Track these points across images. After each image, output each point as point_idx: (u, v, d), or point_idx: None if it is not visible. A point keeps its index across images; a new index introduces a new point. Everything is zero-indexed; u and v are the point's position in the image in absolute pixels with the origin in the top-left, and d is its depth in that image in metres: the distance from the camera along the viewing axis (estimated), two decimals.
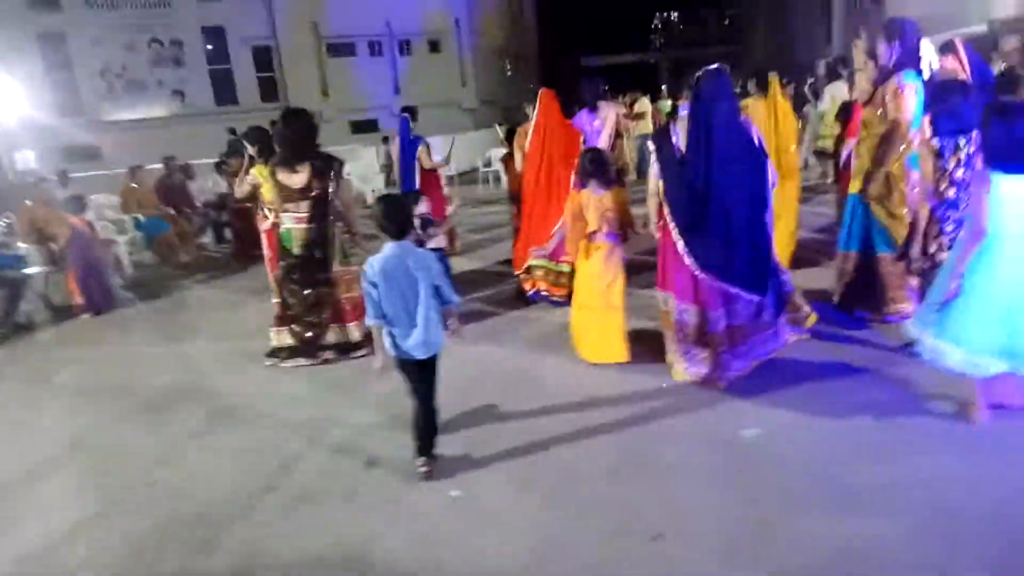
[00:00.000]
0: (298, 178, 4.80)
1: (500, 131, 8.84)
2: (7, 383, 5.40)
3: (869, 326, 4.48)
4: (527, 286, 5.81)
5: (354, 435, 3.83)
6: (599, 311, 4.31)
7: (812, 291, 4.79)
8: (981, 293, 3.05)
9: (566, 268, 5.43)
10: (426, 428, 3.28)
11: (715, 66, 3.76)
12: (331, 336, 4.97)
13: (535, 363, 4.56)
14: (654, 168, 3.97)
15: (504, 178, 9.37)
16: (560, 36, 40.23)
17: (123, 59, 22.11)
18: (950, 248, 3.58)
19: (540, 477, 3.21)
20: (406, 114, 7.48)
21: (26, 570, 2.92)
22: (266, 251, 5.50)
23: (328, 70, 24.67)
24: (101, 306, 7.00)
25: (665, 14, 47.70)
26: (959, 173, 3.66)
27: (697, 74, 3.74)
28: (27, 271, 7.03)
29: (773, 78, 5.58)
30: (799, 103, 9.73)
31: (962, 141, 3.63)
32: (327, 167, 4.87)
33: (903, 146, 4.12)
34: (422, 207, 4.83)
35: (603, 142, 6.13)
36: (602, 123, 6.23)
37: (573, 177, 5.04)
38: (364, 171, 13.86)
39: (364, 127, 23.50)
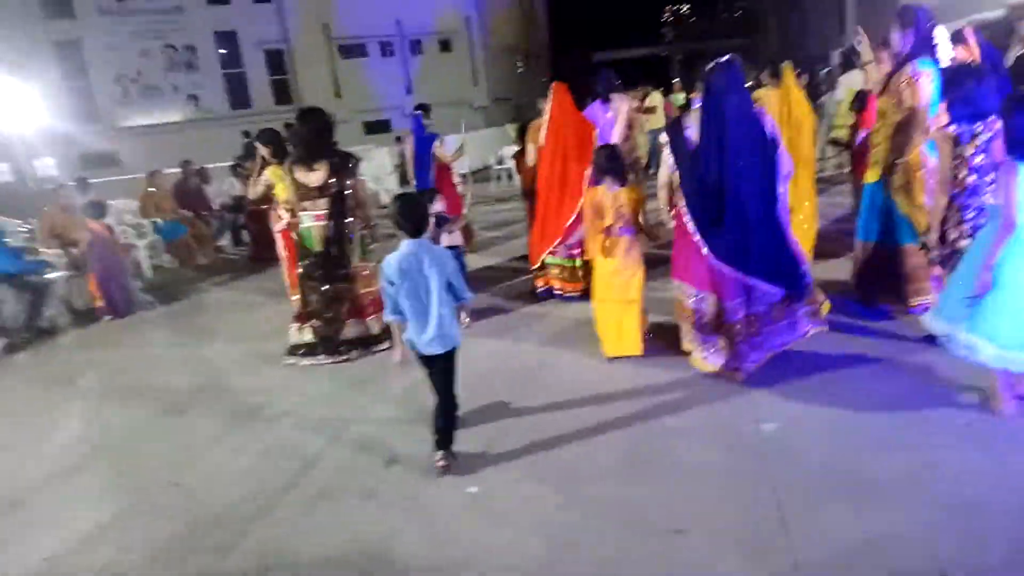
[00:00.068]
0: (316, 176, 4.83)
1: (511, 130, 8.83)
2: (31, 386, 5.49)
3: (894, 317, 4.42)
4: (539, 283, 5.80)
5: (375, 431, 3.86)
6: (618, 304, 4.31)
7: (834, 282, 4.75)
8: (1012, 287, 3.00)
9: (580, 263, 5.43)
10: (445, 422, 3.31)
11: (726, 58, 3.72)
12: (351, 331, 5.00)
13: (550, 358, 4.56)
14: (668, 160, 3.96)
15: (516, 176, 9.37)
16: (571, 32, 40.07)
17: (138, 65, 22.39)
18: (971, 236, 3.53)
19: (556, 473, 3.21)
20: (420, 112, 7.50)
21: (50, 571, 2.96)
22: (281, 251, 5.54)
23: (340, 71, 24.80)
24: (122, 309, 7.09)
25: (676, 7, 47.40)
26: (978, 159, 3.60)
27: (708, 66, 3.72)
28: (49, 276, 7.13)
29: (787, 68, 5.52)
30: (814, 94, 9.62)
31: (979, 127, 3.57)
32: (344, 164, 4.90)
33: (921, 133, 4.07)
34: (437, 205, 4.86)
35: (617, 134, 6.10)
36: (615, 115, 6.20)
37: (587, 173, 5.05)
38: (376, 171, 13.90)
39: (377, 128, 23.61)
